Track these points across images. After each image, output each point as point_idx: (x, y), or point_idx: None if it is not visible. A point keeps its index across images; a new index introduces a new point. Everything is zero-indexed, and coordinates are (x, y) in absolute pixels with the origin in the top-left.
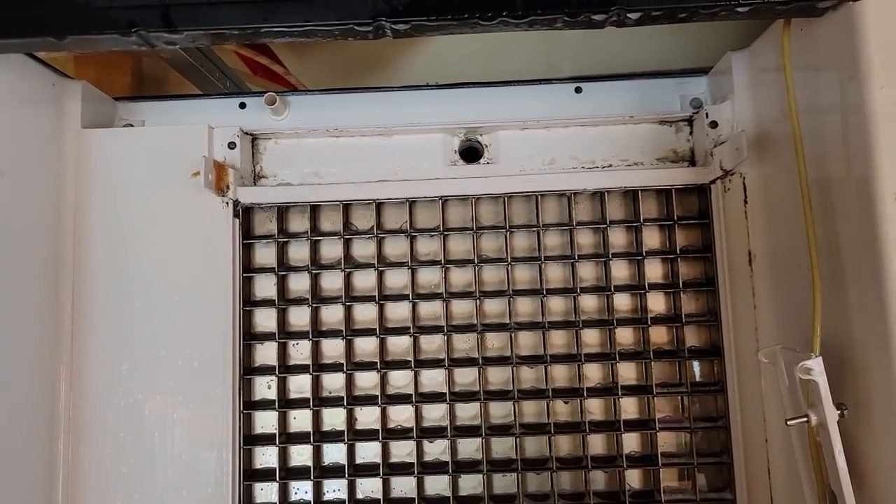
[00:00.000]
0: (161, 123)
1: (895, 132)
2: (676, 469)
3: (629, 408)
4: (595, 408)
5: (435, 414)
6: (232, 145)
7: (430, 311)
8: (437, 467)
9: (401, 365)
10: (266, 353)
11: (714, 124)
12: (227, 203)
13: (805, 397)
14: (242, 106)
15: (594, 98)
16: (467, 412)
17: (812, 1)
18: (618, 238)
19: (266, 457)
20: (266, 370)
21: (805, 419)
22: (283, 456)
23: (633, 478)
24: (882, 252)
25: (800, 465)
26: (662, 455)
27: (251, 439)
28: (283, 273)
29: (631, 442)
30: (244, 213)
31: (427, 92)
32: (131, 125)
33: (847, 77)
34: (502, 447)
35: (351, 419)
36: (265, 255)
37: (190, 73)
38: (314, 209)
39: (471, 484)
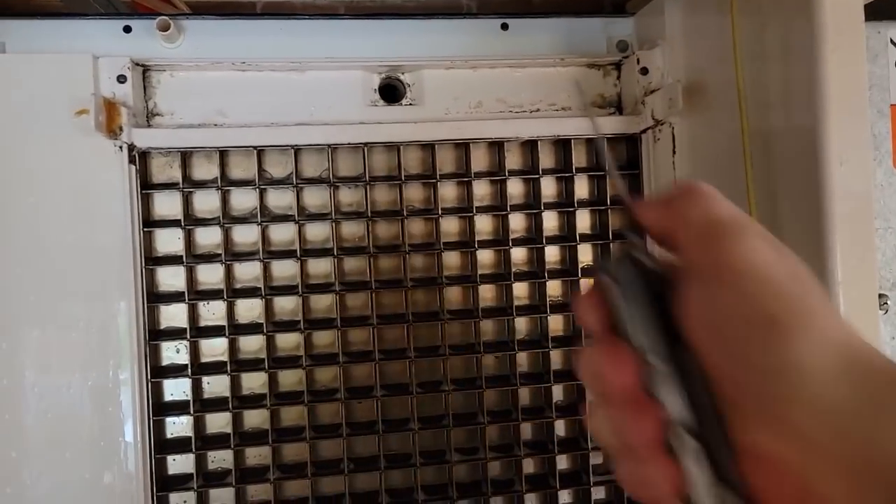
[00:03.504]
0: (27, 47)
1: (844, 97)
2: None
3: (556, 358)
4: (523, 361)
5: (360, 372)
6: (122, 79)
7: (355, 266)
8: (365, 427)
9: (325, 324)
10: (172, 316)
11: (644, 71)
12: (121, 147)
13: None
14: (127, 30)
15: (521, 36)
16: (396, 369)
17: None
18: (547, 187)
19: (178, 426)
20: (175, 333)
21: None
22: (199, 424)
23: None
24: (824, 213)
25: None
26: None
27: (161, 408)
28: (190, 227)
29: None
30: (140, 159)
31: (343, 21)
32: None
33: (798, 37)
34: (430, 404)
35: (273, 383)
36: (165, 205)
37: None
38: (223, 154)
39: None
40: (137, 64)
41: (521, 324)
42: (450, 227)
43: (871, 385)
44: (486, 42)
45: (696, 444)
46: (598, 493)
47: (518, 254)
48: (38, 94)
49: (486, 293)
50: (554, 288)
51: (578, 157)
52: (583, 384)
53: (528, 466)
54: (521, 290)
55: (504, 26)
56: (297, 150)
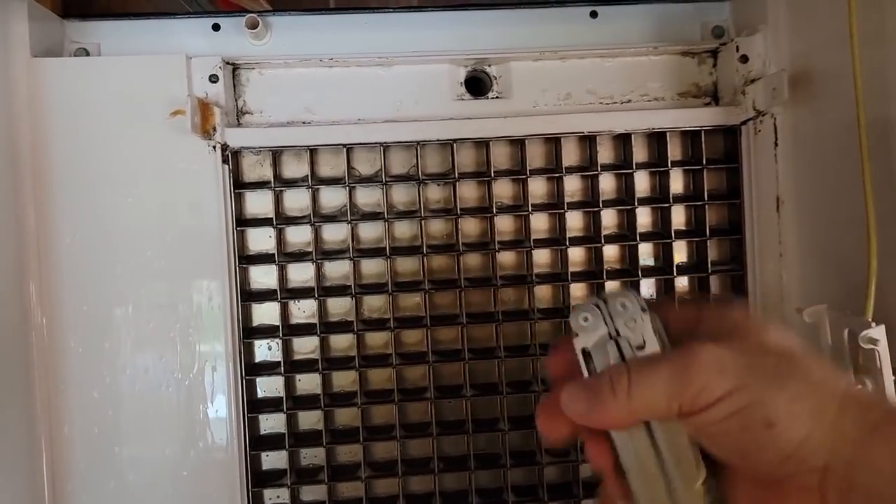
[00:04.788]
0: (120, 48)
1: None
2: None
3: None
4: None
5: (449, 371)
6: (214, 78)
7: (443, 264)
8: (455, 426)
9: (413, 323)
10: (264, 314)
11: (744, 59)
12: (215, 147)
13: (853, 360)
14: (216, 28)
15: (611, 24)
16: (484, 369)
17: None
18: (640, 182)
19: (270, 422)
20: (267, 331)
21: (859, 386)
22: (291, 421)
23: None
24: None
25: None
26: None
27: (256, 405)
28: (282, 225)
29: None
30: (232, 158)
31: (427, 14)
32: (85, 50)
33: None
34: (519, 405)
35: (362, 380)
36: (256, 204)
37: None
38: (312, 152)
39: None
40: (228, 63)
41: None
42: (539, 223)
43: (854, 434)
44: (574, 31)
45: None
46: None
47: (610, 251)
48: (133, 95)
49: (578, 292)
50: (648, 287)
51: (673, 151)
52: None
53: None
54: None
55: (593, 14)
56: (386, 147)
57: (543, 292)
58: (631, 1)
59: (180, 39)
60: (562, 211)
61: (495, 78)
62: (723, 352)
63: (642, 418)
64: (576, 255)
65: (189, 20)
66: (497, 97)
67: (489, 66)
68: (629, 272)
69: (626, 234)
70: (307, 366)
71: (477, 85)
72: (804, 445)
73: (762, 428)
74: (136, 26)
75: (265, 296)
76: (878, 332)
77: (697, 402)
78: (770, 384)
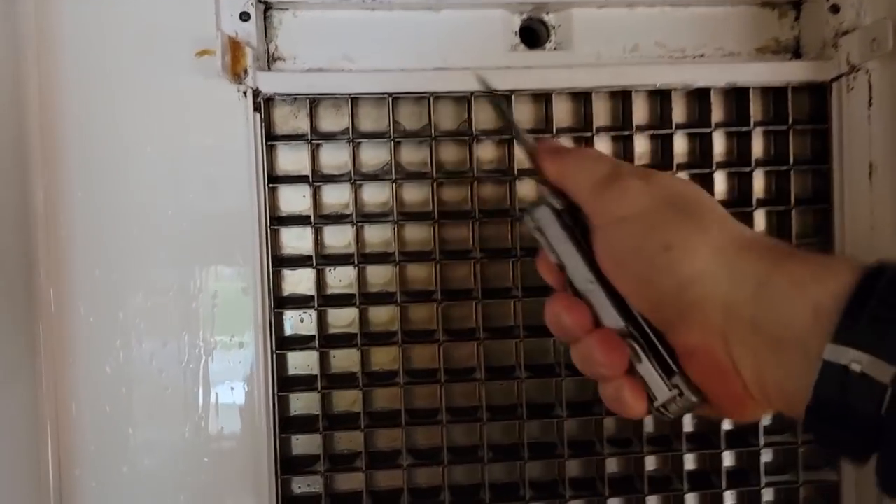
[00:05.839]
0: None
1: None
2: None
3: None
4: None
5: (500, 350)
6: (245, 16)
7: (495, 231)
8: (506, 412)
9: (461, 295)
10: (297, 282)
11: (835, 9)
12: (245, 93)
13: None
14: None
15: None
16: (538, 348)
17: None
18: (716, 145)
19: (301, 402)
20: (300, 301)
21: None
22: (325, 402)
23: None
24: None
25: None
26: None
27: (285, 383)
28: (319, 183)
29: None
30: (265, 106)
31: None
32: None
33: None
34: (578, 389)
35: (404, 358)
36: (289, 160)
37: None
38: (353, 103)
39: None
40: (260, 1)
41: None
42: None
43: (755, 269)
44: None
45: (639, 345)
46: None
47: None
48: (154, 32)
49: None
50: None
51: (754, 110)
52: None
53: (689, 462)
54: None
55: None
56: (436, 99)
57: None
58: None
59: None
60: None
61: (553, 28)
62: (646, 186)
63: (563, 181)
64: None
65: None
66: (555, 49)
67: (547, 13)
68: None
69: None
70: (344, 340)
71: (532, 36)
72: (702, 278)
73: (660, 250)
74: None
75: (298, 262)
76: None
77: (608, 210)
78: (675, 215)
